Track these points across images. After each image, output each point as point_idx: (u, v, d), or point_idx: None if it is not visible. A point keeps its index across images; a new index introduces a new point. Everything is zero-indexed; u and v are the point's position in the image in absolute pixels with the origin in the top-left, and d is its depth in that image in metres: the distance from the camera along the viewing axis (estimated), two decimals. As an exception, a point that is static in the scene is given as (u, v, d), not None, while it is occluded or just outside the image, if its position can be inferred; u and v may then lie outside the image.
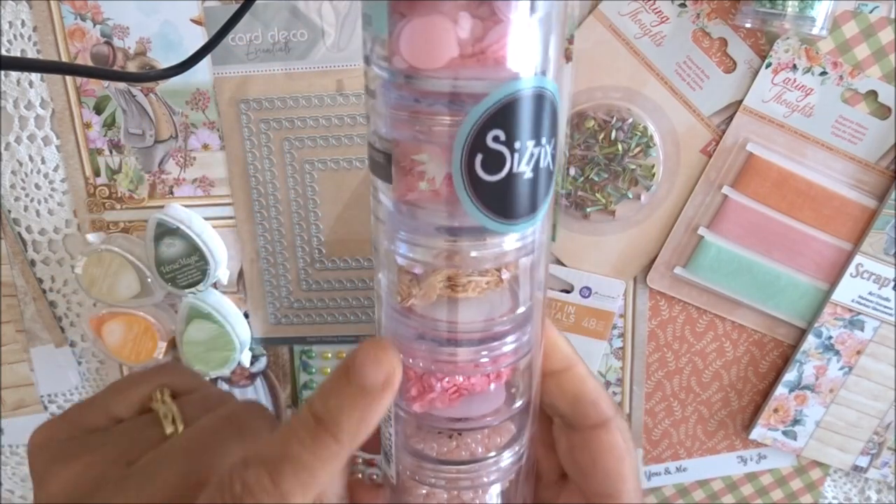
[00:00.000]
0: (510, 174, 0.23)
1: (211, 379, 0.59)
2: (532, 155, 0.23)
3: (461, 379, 0.27)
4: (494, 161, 0.23)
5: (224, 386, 0.60)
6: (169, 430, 0.30)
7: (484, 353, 0.26)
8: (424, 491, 0.28)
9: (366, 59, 0.25)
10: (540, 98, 0.23)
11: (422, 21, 0.22)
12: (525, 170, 0.23)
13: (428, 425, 0.28)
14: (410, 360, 0.26)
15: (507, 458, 0.28)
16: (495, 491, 0.28)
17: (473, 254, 0.25)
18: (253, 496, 0.24)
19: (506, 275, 0.26)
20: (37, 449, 0.30)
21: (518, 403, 0.28)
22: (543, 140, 0.24)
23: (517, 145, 0.23)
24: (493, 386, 0.27)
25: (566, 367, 0.28)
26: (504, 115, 0.23)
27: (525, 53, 0.23)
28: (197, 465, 0.29)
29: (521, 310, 0.27)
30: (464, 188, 0.23)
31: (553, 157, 0.24)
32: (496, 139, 0.23)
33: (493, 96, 0.22)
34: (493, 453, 0.28)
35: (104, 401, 0.31)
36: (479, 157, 0.23)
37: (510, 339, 0.27)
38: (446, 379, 0.26)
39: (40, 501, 0.29)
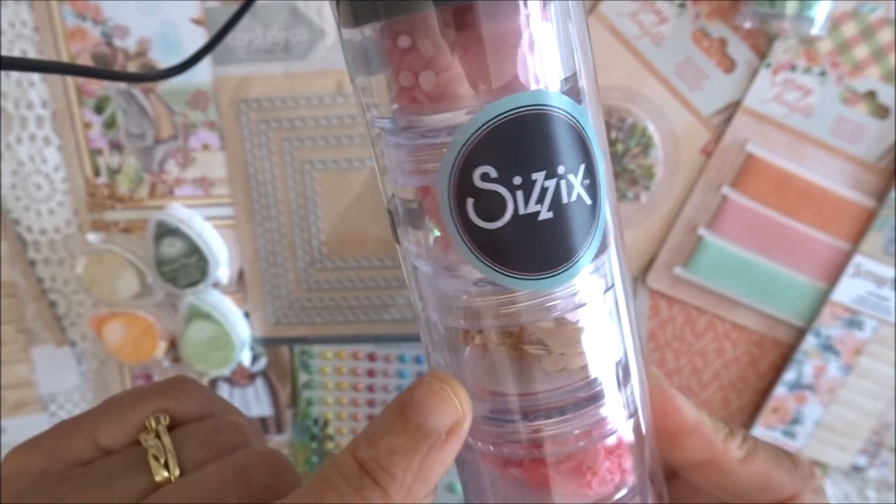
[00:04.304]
0: (516, 217, 0.19)
1: (211, 379, 0.59)
2: (545, 190, 0.19)
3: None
4: (491, 203, 0.19)
5: (224, 386, 0.60)
6: (159, 476, 0.23)
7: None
8: None
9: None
10: (540, 118, 0.19)
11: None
12: (538, 209, 0.19)
13: None
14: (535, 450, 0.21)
15: None
16: None
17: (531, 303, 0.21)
18: None
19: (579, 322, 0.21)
20: (7, 480, 0.24)
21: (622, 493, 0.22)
22: (561, 169, 0.19)
23: (517, 181, 0.19)
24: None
25: (709, 458, 0.23)
26: (489, 147, 0.19)
27: (501, 65, 0.19)
28: None
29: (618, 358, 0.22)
30: (463, 242, 0.19)
31: (591, 185, 0.20)
32: (486, 177, 0.19)
33: (468, 127, 0.19)
34: None
35: (91, 425, 0.25)
36: (470, 202, 0.19)
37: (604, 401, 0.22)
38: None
39: None
